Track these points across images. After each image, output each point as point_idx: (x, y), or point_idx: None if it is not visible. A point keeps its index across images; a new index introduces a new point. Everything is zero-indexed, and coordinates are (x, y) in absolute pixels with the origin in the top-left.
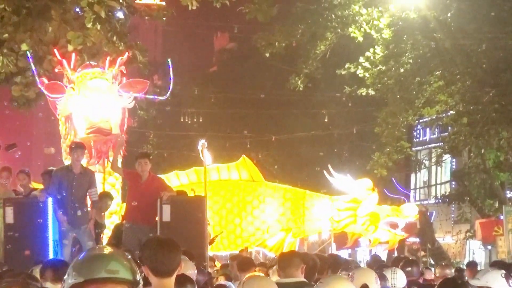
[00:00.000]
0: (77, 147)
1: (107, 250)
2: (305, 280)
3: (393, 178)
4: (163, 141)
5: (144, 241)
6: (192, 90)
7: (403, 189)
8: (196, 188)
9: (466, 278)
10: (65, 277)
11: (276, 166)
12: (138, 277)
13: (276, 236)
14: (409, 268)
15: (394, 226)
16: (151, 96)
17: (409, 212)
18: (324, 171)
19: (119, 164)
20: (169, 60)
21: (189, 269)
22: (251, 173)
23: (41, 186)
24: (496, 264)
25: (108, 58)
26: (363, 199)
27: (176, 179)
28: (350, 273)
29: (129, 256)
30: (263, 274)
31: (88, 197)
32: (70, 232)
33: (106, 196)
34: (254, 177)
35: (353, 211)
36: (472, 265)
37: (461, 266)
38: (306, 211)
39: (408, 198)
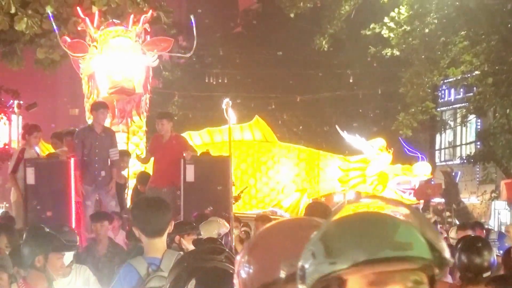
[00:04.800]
0: (99, 107)
1: (382, 206)
2: None
3: (400, 138)
4: (188, 101)
5: None
6: (217, 51)
7: (412, 148)
8: (210, 148)
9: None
10: (305, 260)
11: (301, 127)
12: (446, 253)
13: (292, 196)
14: None
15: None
16: (175, 54)
17: (420, 170)
18: (341, 132)
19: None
20: (192, 17)
21: (222, 228)
22: (264, 133)
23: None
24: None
25: (131, 16)
26: (372, 158)
27: (189, 140)
28: None
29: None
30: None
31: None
32: (93, 193)
33: (123, 154)
34: (268, 137)
35: (361, 171)
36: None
37: (487, 226)
38: (320, 172)
39: (422, 158)
